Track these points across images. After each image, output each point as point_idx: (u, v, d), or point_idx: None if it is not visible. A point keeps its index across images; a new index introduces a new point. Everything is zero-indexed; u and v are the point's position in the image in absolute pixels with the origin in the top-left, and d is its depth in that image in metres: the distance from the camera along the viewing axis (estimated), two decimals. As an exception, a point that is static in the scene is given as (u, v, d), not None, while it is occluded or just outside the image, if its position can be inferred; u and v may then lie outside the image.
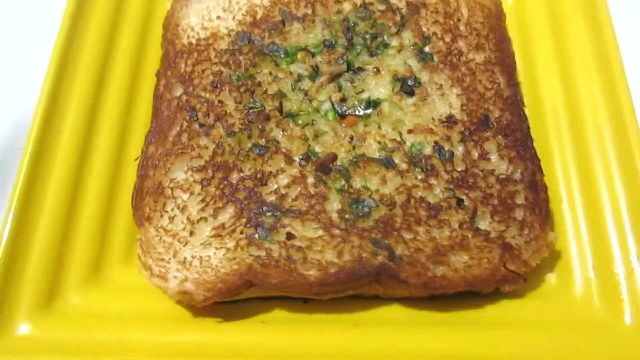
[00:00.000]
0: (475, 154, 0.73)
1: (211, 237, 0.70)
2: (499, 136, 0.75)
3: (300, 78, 0.79)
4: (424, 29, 0.82)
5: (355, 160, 0.73)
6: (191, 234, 0.71)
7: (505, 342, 0.66)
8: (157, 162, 0.75)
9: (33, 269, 0.70)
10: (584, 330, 0.67)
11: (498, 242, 0.69)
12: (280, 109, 0.77)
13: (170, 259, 0.69)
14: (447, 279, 0.66)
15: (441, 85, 0.78)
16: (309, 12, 0.84)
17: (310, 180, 0.72)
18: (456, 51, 0.80)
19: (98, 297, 0.72)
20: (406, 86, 0.78)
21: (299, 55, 0.80)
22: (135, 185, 0.76)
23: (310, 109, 0.77)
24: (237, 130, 0.75)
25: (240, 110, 0.76)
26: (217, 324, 0.69)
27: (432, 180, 0.72)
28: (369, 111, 0.77)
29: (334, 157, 0.73)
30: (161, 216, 0.72)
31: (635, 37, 0.89)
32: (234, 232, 0.70)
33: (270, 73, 0.79)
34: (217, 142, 0.75)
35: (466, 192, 0.71)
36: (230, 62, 0.80)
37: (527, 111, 0.83)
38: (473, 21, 0.83)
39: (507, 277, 0.68)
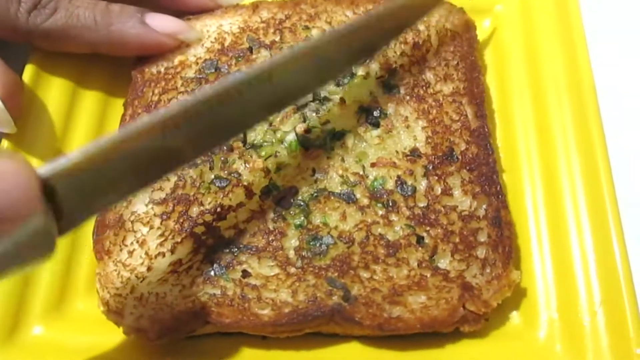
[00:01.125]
0: (438, 189, 0.72)
1: (168, 273, 0.69)
2: (464, 170, 0.73)
3: None
4: (392, 61, 0.81)
5: (316, 194, 0.72)
6: (149, 269, 0.70)
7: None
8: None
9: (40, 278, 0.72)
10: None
11: (457, 282, 0.67)
12: (244, 140, 0.76)
13: (127, 294, 0.69)
14: (402, 321, 0.65)
15: (407, 117, 0.77)
16: (277, 39, 0.83)
17: (270, 215, 0.71)
18: (423, 82, 0.79)
19: (62, 327, 0.72)
20: (371, 117, 0.76)
21: None
22: (96, 219, 0.75)
23: (274, 140, 0.76)
24: (199, 161, 0.74)
25: None
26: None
27: (393, 217, 0.70)
28: (332, 143, 0.76)
29: (295, 191, 0.72)
30: (120, 250, 0.71)
31: (612, 70, 0.87)
32: (190, 269, 0.69)
33: None
34: (178, 174, 0.74)
35: (427, 229, 0.70)
36: (196, 90, 0.79)
37: (499, 143, 0.82)
38: (443, 50, 0.82)
39: (467, 318, 0.67)
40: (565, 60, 0.82)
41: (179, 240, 0.71)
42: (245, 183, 0.73)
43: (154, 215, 0.72)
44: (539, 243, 0.74)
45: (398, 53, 0.82)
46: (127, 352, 0.71)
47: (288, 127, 0.77)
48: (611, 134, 0.76)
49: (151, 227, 0.72)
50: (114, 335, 0.71)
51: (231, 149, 0.75)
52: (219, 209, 0.72)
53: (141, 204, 0.73)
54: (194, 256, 0.70)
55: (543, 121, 0.80)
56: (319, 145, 0.75)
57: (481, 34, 0.88)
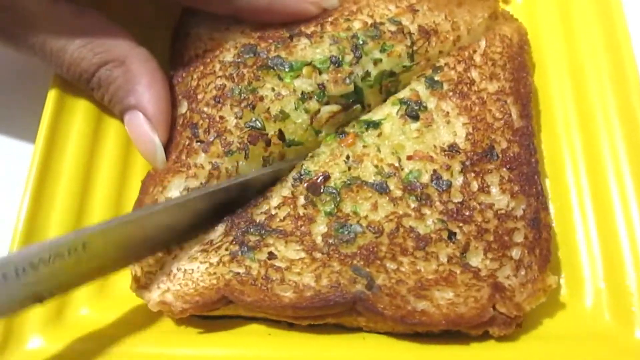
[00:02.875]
0: (475, 186, 0.70)
1: (198, 251, 0.70)
2: (503, 169, 0.71)
3: (304, 96, 0.75)
4: (435, 60, 0.80)
5: (348, 182, 0.71)
6: (181, 248, 0.71)
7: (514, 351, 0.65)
8: (156, 179, 0.74)
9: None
10: (593, 343, 0.66)
11: (489, 281, 0.64)
12: (282, 137, 0.75)
13: (157, 271, 0.70)
14: (427, 315, 0.62)
15: (448, 112, 0.75)
16: (318, 29, 0.81)
17: (301, 201, 0.71)
18: (468, 80, 0.77)
19: (106, 307, 0.73)
20: (411, 110, 0.75)
21: (304, 71, 0.76)
22: (135, 202, 0.76)
23: (313, 139, 0.76)
24: (234, 149, 0.73)
25: (240, 127, 0.74)
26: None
27: (425, 210, 0.69)
28: (369, 131, 0.75)
29: (327, 178, 0.72)
30: None
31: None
32: (219, 249, 0.69)
33: (274, 89, 0.76)
34: (213, 162, 0.73)
35: (460, 225, 0.68)
36: (234, 74, 0.78)
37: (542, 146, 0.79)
38: (490, 52, 0.80)
39: (496, 320, 0.64)
40: (606, 41, 0.79)
41: (213, 223, 0.72)
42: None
43: None
44: (583, 216, 0.72)
45: (444, 52, 0.81)
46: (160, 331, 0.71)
47: (329, 128, 0.77)
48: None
49: None
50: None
51: (268, 143, 0.74)
52: (252, 196, 0.72)
53: (175, 190, 0.73)
54: (224, 237, 0.70)
55: (587, 121, 0.77)
56: (354, 132, 0.75)
57: (514, 9, 0.88)
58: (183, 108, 0.79)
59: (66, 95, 0.79)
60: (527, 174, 0.70)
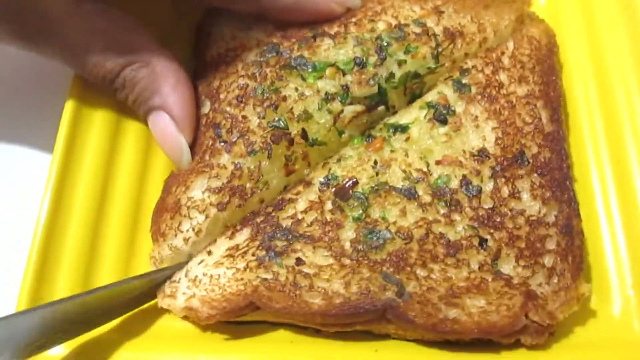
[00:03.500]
0: (505, 192, 0.69)
1: (224, 257, 0.70)
2: (534, 174, 0.69)
3: (327, 96, 0.74)
4: (463, 62, 0.78)
5: (376, 188, 0.70)
6: (209, 253, 0.70)
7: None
8: (179, 179, 0.74)
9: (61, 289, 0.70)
10: (623, 351, 0.65)
11: (521, 289, 0.63)
12: (305, 136, 0.74)
13: (181, 278, 0.69)
14: (459, 323, 0.61)
15: (476, 116, 0.74)
16: (342, 30, 0.80)
17: (328, 206, 0.70)
18: (496, 83, 0.76)
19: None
20: (439, 114, 0.74)
21: (328, 72, 0.75)
22: (157, 201, 0.75)
23: (336, 140, 0.75)
24: (257, 149, 0.72)
25: (262, 127, 0.73)
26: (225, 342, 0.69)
27: (455, 216, 0.67)
28: (396, 135, 0.74)
29: (355, 183, 0.71)
30: (175, 235, 0.71)
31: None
32: (246, 254, 0.69)
33: (297, 89, 0.75)
34: (236, 162, 0.72)
35: (491, 231, 0.66)
36: (257, 74, 0.77)
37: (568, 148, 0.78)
38: (519, 54, 0.79)
39: (529, 329, 0.63)
40: (631, 41, 0.78)
41: (238, 227, 0.71)
42: (305, 173, 0.73)
43: (210, 204, 0.71)
44: (610, 222, 0.71)
45: (470, 54, 0.80)
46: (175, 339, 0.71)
47: (353, 129, 0.75)
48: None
49: (207, 217, 0.71)
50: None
51: (291, 143, 0.73)
52: (279, 200, 0.71)
53: (198, 190, 0.72)
54: (251, 242, 0.70)
55: (613, 125, 0.76)
56: (382, 136, 0.74)
57: (537, 10, 0.87)
58: (206, 108, 0.78)
59: (84, 104, 0.78)
60: (558, 179, 0.69)
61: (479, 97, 0.75)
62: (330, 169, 0.72)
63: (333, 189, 0.71)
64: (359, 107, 0.75)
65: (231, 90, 0.77)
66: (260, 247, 0.69)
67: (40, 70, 0.92)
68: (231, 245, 0.71)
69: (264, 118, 0.73)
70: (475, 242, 0.66)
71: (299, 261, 0.67)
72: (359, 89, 0.75)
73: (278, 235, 0.69)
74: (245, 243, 0.70)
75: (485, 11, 0.83)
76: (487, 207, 0.68)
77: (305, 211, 0.70)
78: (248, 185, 0.72)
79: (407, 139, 0.73)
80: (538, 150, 0.71)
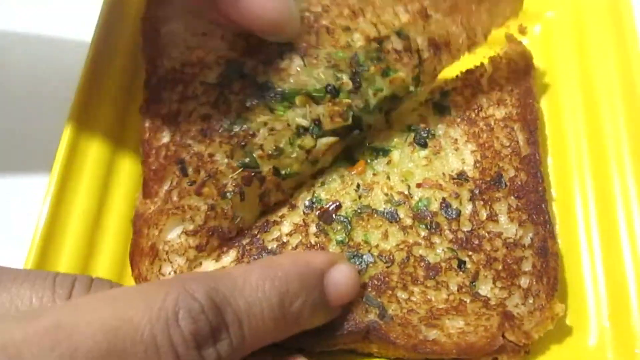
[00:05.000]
0: (483, 214, 0.71)
1: (210, 278, 0.71)
2: (511, 197, 0.72)
3: (299, 130, 0.71)
4: (443, 84, 0.80)
5: (359, 211, 0.72)
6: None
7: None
8: (149, 220, 0.71)
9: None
10: None
11: (498, 310, 0.66)
12: (277, 173, 0.71)
13: (170, 296, 0.71)
14: (438, 344, 0.64)
15: (456, 139, 0.76)
16: (313, 41, 0.74)
17: (312, 229, 0.72)
18: (475, 106, 0.78)
19: None
20: (419, 137, 0.76)
21: (298, 100, 0.71)
22: (131, 242, 0.73)
23: (309, 169, 0.73)
24: (229, 191, 0.70)
25: (232, 166, 0.70)
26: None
27: (435, 239, 0.70)
28: (378, 159, 0.76)
29: (338, 207, 0.73)
30: (158, 278, 0.70)
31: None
32: (232, 275, 0.70)
33: (265, 123, 0.71)
34: (209, 203, 0.69)
35: (469, 254, 0.69)
36: (220, 102, 0.72)
37: (550, 170, 0.80)
38: (497, 76, 0.81)
39: (505, 348, 0.65)
40: (620, 74, 0.80)
41: (224, 249, 0.73)
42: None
43: (189, 247, 0.70)
44: (590, 251, 0.73)
45: (451, 76, 0.82)
46: None
47: (329, 157, 0.75)
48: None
49: (187, 259, 0.70)
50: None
51: (263, 180, 0.71)
52: (264, 222, 0.73)
53: (174, 234, 0.70)
54: (237, 264, 0.71)
55: (597, 144, 0.78)
56: (364, 159, 0.76)
57: (531, 41, 0.88)
58: (165, 137, 0.74)
59: (82, 132, 0.78)
60: (534, 202, 0.71)
61: (459, 119, 0.78)
62: (314, 192, 0.74)
63: (317, 212, 0.73)
64: (332, 139, 0.73)
65: (192, 121, 0.73)
66: (247, 270, 0.70)
67: (42, 83, 0.95)
68: (217, 267, 0.72)
69: (232, 158, 0.70)
70: (455, 264, 0.68)
71: (284, 284, 0.68)
72: (332, 123, 0.72)
73: (263, 257, 0.71)
74: (232, 265, 0.72)
75: (477, 6, 0.77)
76: (465, 229, 0.70)
77: (290, 234, 0.72)
78: (225, 224, 0.71)
79: (389, 162, 0.75)
80: (515, 174, 0.73)
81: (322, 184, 0.75)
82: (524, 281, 0.67)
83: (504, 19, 0.80)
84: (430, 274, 0.68)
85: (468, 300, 0.66)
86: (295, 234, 0.72)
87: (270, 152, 0.71)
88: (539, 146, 0.76)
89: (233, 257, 0.72)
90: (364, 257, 0.69)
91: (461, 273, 0.68)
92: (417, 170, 0.75)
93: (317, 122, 0.72)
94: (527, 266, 0.68)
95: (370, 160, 0.76)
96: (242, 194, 0.70)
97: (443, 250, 0.69)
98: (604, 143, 0.77)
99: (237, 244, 0.73)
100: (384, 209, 0.72)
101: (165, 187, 0.72)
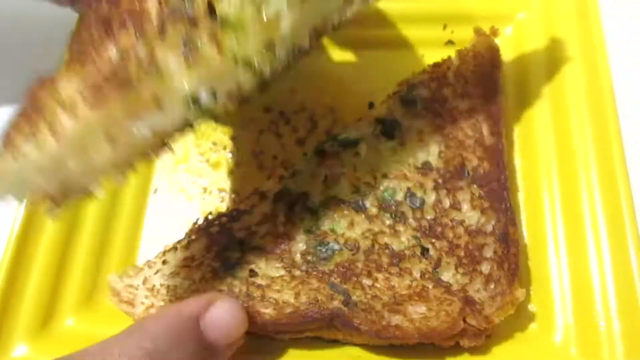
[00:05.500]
0: (447, 203, 0.73)
1: (180, 267, 0.73)
2: (474, 186, 0.74)
3: None
4: (410, 77, 0.82)
5: (326, 201, 0.74)
6: (163, 262, 0.74)
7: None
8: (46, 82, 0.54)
9: (29, 295, 0.76)
10: None
11: (459, 295, 0.67)
12: (211, 11, 0.53)
13: (139, 285, 0.72)
14: (400, 329, 0.65)
15: (421, 130, 0.78)
16: None
17: (281, 219, 0.74)
18: (441, 98, 0.80)
19: (92, 319, 0.77)
20: (386, 129, 0.78)
21: None
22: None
23: (256, 22, 0.53)
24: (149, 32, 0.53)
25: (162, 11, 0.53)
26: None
27: (400, 227, 0.72)
28: (347, 151, 0.77)
29: (307, 197, 0.75)
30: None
31: (633, 78, 0.86)
32: (201, 265, 0.72)
33: None
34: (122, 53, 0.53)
35: (433, 241, 0.71)
36: None
37: (517, 161, 0.82)
38: (464, 69, 0.83)
39: (467, 332, 0.67)
40: (586, 70, 0.82)
41: (193, 237, 0.74)
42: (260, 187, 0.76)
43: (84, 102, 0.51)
44: (556, 249, 0.74)
45: (418, 70, 0.83)
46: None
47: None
48: (631, 143, 0.76)
49: (76, 119, 0.51)
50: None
51: (194, 22, 0.53)
52: (234, 212, 0.75)
53: (69, 87, 0.53)
54: (206, 253, 0.73)
55: (564, 137, 0.80)
56: (333, 152, 0.78)
57: (503, 42, 0.90)
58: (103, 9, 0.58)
59: None
60: (496, 190, 0.73)
61: (424, 112, 0.79)
62: (284, 183, 0.76)
63: (285, 202, 0.74)
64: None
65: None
66: (215, 259, 0.72)
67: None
68: (187, 255, 0.74)
69: (165, 3, 0.54)
70: (418, 251, 0.70)
71: (253, 273, 0.70)
72: None
73: (233, 246, 0.73)
74: (201, 254, 0.73)
75: None
76: (429, 217, 0.72)
77: (259, 223, 0.74)
78: (132, 72, 0.53)
79: (356, 154, 0.77)
80: (478, 163, 0.75)
81: (293, 175, 0.76)
82: (485, 267, 0.69)
83: None
84: (394, 261, 0.69)
85: (430, 286, 0.68)
86: (263, 223, 0.74)
87: None
88: (503, 137, 0.78)
89: (202, 245, 0.74)
90: (331, 245, 0.71)
91: (424, 260, 0.70)
92: (384, 161, 0.76)
93: None
94: (488, 252, 0.70)
95: (338, 151, 0.77)
96: (163, 32, 0.53)
97: (407, 238, 0.71)
98: (570, 138, 0.79)
99: (206, 232, 0.74)
100: (351, 198, 0.74)
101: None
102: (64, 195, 0.56)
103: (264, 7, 0.53)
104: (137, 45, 0.53)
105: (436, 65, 0.84)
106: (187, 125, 0.57)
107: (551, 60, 0.86)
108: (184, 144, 0.91)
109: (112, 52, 0.53)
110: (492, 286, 0.68)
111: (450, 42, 0.94)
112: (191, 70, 0.53)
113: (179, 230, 0.77)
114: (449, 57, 0.85)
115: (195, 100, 0.55)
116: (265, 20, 0.54)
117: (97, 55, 0.54)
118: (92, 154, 0.54)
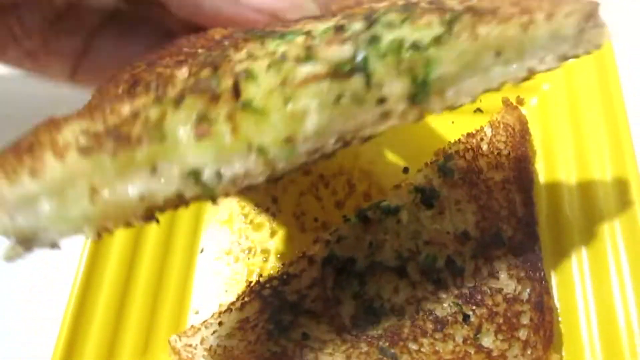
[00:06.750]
0: (485, 271, 0.78)
1: (236, 328, 0.78)
2: (510, 255, 0.79)
3: (282, 57, 0.52)
4: (447, 147, 0.88)
5: (372, 266, 0.79)
6: (219, 323, 0.79)
7: None
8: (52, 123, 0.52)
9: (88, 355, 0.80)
10: None
11: (500, 360, 0.72)
12: (236, 91, 0.50)
13: (197, 345, 0.77)
14: (446, 393, 0.70)
15: (459, 200, 0.84)
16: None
17: (329, 283, 0.79)
18: (476, 169, 0.86)
19: None
20: (426, 198, 0.84)
21: (298, 39, 0.53)
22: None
23: (279, 111, 0.50)
24: (168, 96, 0.51)
25: (186, 80, 0.52)
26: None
27: (442, 294, 0.77)
28: (389, 218, 0.83)
29: (353, 261, 0.80)
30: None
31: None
32: (256, 327, 0.77)
33: (249, 52, 0.53)
34: (136, 107, 0.51)
35: (473, 308, 0.76)
36: (213, 47, 0.57)
37: (544, 227, 0.87)
38: (496, 140, 0.89)
39: (507, 395, 0.72)
40: (610, 141, 0.88)
41: (247, 300, 0.79)
42: (309, 252, 0.82)
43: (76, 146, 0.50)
44: (586, 313, 0.78)
45: (454, 139, 0.90)
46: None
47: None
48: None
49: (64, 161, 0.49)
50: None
51: (216, 98, 0.50)
52: (284, 276, 0.80)
53: (69, 131, 0.50)
54: (260, 315, 0.78)
55: (590, 204, 0.85)
56: (376, 219, 0.83)
57: (529, 111, 0.96)
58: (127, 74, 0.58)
59: None
60: (531, 259, 0.79)
61: (461, 182, 0.85)
62: (331, 249, 0.81)
63: (333, 267, 0.80)
64: (318, 67, 0.51)
65: (175, 56, 0.58)
66: (269, 321, 0.77)
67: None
68: (242, 317, 0.79)
69: (194, 75, 0.52)
70: (460, 317, 0.75)
71: (305, 335, 0.75)
72: (327, 49, 0.51)
73: (285, 309, 0.78)
74: (255, 316, 0.78)
75: None
76: (469, 285, 0.77)
77: (308, 287, 0.79)
78: (135, 130, 0.50)
79: (398, 221, 0.82)
80: (513, 233, 0.81)
81: (338, 240, 0.82)
82: (522, 333, 0.74)
83: (574, 12, 0.55)
84: (438, 326, 0.74)
85: (473, 352, 0.73)
86: (313, 287, 0.79)
87: (239, 72, 0.52)
88: (535, 207, 0.84)
89: (256, 307, 0.79)
90: (378, 310, 0.76)
91: (466, 326, 0.75)
92: (424, 228, 0.82)
93: (308, 48, 0.52)
94: (525, 320, 0.75)
95: (381, 218, 0.83)
96: (179, 100, 0.51)
97: (449, 304, 0.76)
98: (596, 205, 0.85)
99: (259, 295, 0.79)
100: (394, 264, 0.79)
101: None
102: (28, 239, 0.50)
103: (293, 100, 0.50)
104: (151, 106, 0.51)
105: (470, 135, 0.90)
106: (180, 200, 0.52)
107: (575, 129, 0.92)
108: (228, 205, 0.97)
109: (125, 107, 0.52)
110: (529, 352, 0.73)
111: (478, 110, 1.00)
112: (199, 144, 0.50)
113: (226, 290, 0.82)
114: (482, 128, 0.91)
115: (196, 176, 0.51)
116: (290, 113, 0.51)
117: (110, 107, 0.52)
118: (68, 203, 0.50)
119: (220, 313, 0.79)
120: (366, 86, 0.51)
